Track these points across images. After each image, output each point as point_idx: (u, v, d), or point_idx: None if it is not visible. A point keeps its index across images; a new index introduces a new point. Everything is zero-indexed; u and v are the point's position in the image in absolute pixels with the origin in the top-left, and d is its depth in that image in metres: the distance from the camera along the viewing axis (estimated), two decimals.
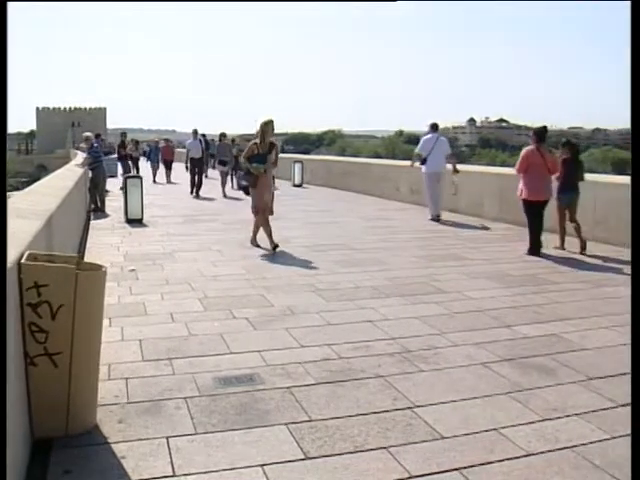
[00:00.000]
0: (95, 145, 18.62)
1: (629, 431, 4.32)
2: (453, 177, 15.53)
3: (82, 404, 4.20)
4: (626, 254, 9.89)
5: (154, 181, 28.82)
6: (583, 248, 11.15)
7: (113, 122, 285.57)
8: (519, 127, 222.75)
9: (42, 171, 72.96)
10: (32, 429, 4.00)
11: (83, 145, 18.94)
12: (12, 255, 3.65)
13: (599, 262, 10.35)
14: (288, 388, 4.98)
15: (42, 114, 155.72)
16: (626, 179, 12.74)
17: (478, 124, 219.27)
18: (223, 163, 23.78)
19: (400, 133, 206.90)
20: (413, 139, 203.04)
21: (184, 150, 26.18)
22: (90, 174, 17.79)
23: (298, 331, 6.41)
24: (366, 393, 4.91)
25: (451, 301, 7.65)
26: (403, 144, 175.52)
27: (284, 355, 5.71)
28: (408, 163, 17.40)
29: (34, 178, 38.99)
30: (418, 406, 4.68)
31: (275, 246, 11.01)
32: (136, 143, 36.06)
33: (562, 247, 11.48)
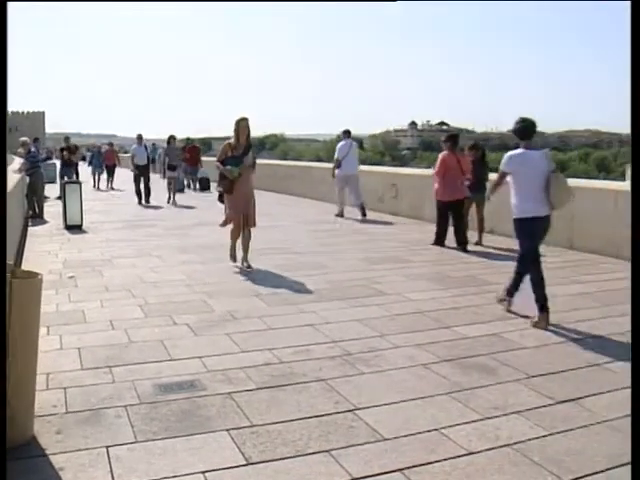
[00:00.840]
0: (32, 150, 18.28)
1: (567, 427, 4.44)
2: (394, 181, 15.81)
3: (19, 415, 4.11)
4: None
5: (97, 187, 28.24)
6: (479, 242, 12.45)
7: (52, 126, 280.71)
8: (460, 130, 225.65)
9: None
10: None
11: (20, 150, 18.54)
12: None
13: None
14: (229, 394, 4.94)
15: None
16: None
17: (419, 127, 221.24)
18: (172, 168, 22.60)
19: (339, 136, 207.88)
20: (357, 142, 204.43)
21: (127, 155, 25.72)
22: (28, 180, 17.45)
23: (239, 336, 6.37)
24: (307, 397, 4.90)
25: (392, 303, 7.71)
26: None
27: (225, 360, 5.67)
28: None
29: None
30: (359, 408, 4.68)
31: (247, 265, 9.85)
32: (75, 148, 35.46)
33: (481, 242, 12.52)
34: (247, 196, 9.88)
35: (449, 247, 12.04)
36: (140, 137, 23.34)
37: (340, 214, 17.07)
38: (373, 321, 6.92)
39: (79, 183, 16.36)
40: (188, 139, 23.56)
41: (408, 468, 3.86)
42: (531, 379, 5.32)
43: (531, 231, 7.10)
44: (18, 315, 3.90)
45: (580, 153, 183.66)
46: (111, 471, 3.80)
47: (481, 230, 12.59)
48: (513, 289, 7.36)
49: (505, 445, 4.17)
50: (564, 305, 7.65)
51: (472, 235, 12.39)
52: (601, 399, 4.95)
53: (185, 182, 27.27)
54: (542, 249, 7.30)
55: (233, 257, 10.20)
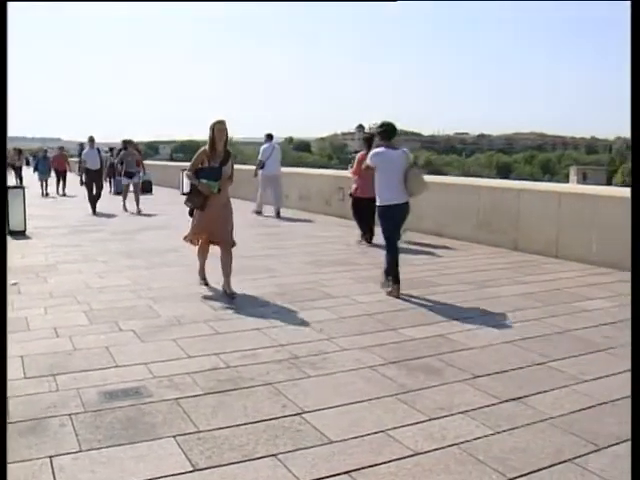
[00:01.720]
0: None
1: (512, 426, 4.50)
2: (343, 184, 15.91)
3: None
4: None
5: (45, 194, 27.24)
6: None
7: None
8: (407, 133, 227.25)
9: None
10: None
11: None
12: None
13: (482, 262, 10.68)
14: (176, 399, 4.90)
15: None
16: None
17: (367, 130, 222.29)
18: (129, 175, 20.51)
19: (290, 140, 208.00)
20: (303, 146, 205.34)
21: (75, 160, 24.63)
22: None
23: (185, 341, 6.33)
24: (255, 401, 4.89)
25: (339, 306, 7.73)
26: (293, 151, 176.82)
27: (171, 366, 5.62)
28: (298, 170, 17.74)
29: None
30: (307, 412, 4.69)
31: (231, 293, 8.24)
32: (19, 152, 34.84)
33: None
34: (220, 210, 8.31)
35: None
36: (92, 140, 21.44)
37: (259, 212, 18.28)
38: (321, 324, 6.94)
39: (22, 188, 16.12)
40: (125, 142, 22.28)
41: (355, 470, 3.87)
42: (476, 379, 5.39)
43: (390, 215, 8.57)
44: None
45: (525, 155, 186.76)
46: None
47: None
48: (395, 272, 8.48)
49: (451, 445, 4.21)
50: (508, 306, 7.77)
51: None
52: (545, 397, 5.03)
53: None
54: (487, 250, 7.39)
55: (202, 278, 8.89)
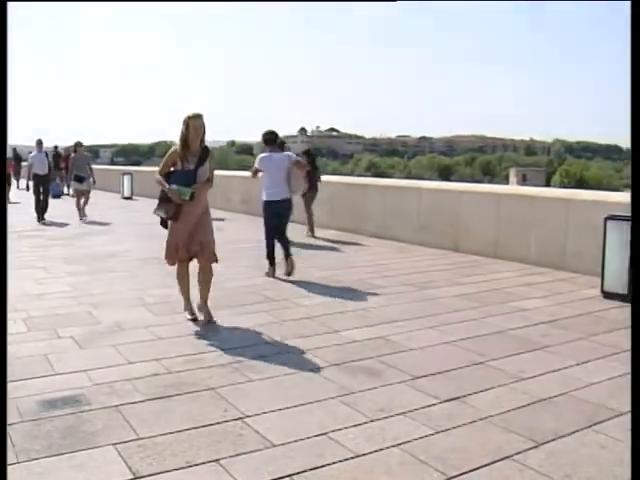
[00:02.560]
0: None
1: (452, 425, 4.56)
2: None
3: None
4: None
5: None
6: (311, 232, 14.49)
7: None
8: (350, 136, 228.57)
9: None
10: None
11: None
12: None
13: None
14: (116, 407, 4.84)
15: None
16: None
17: (309, 133, 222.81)
18: (79, 179, 19.19)
19: (232, 143, 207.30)
20: (246, 149, 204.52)
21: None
22: None
23: (126, 347, 6.26)
24: (197, 406, 4.86)
25: (281, 309, 7.75)
26: (235, 154, 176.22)
27: (111, 373, 5.55)
28: (239, 173, 17.70)
29: None
30: (248, 416, 4.68)
31: (208, 319, 7.22)
32: None
33: (312, 235, 14.44)
34: (196, 219, 7.10)
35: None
36: (40, 143, 19.74)
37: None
38: (263, 328, 6.94)
39: None
40: (76, 144, 21.39)
41: (297, 473, 3.88)
42: (416, 380, 5.45)
43: (273, 210, 9.98)
44: None
45: (466, 157, 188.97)
46: None
47: (311, 224, 14.57)
48: (271, 257, 10.04)
49: (392, 446, 4.25)
50: (448, 306, 7.89)
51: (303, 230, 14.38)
52: (484, 396, 5.12)
53: (65, 190, 26.54)
54: (429, 252, 7.48)
55: (190, 313, 7.35)
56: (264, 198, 10.01)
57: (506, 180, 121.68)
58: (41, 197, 18.74)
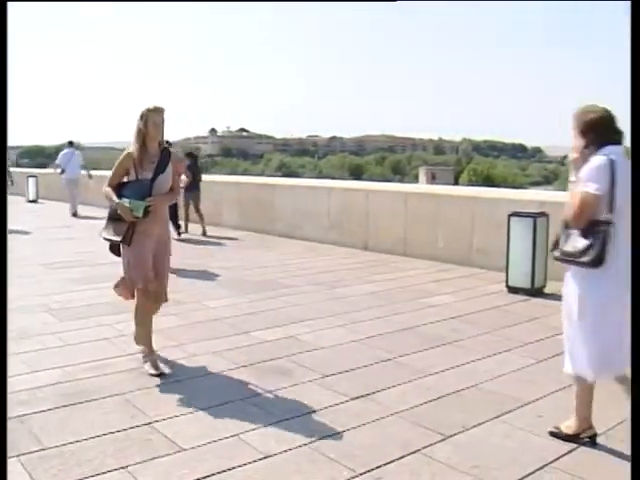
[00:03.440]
0: None
1: (361, 422, 4.59)
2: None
3: None
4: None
5: None
6: (204, 233, 14.79)
7: None
8: (260, 136, 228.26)
9: None
10: None
11: None
12: None
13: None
14: (19, 417, 4.68)
15: None
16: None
17: (219, 134, 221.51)
18: None
19: None
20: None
21: None
22: None
23: (30, 355, 6.07)
24: (103, 413, 4.76)
25: (189, 312, 7.67)
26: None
27: (15, 382, 5.32)
28: None
29: None
30: (157, 421, 4.61)
31: (157, 373, 5.58)
32: None
33: (186, 231, 14.92)
34: (155, 241, 5.78)
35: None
36: None
37: (74, 213, 19.79)
38: (171, 331, 6.85)
39: None
40: None
41: (207, 477, 3.85)
42: (326, 378, 5.47)
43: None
44: None
45: (376, 157, 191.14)
46: None
47: (202, 222, 15.02)
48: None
49: (302, 445, 4.26)
50: (357, 305, 7.96)
51: (197, 228, 14.88)
52: (392, 392, 5.19)
53: None
54: (339, 251, 7.51)
55: (150, 359, 5.77)
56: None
57: (416, 179, 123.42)
58: None
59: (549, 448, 4.22)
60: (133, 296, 5.89)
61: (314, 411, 4.78)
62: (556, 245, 4.34)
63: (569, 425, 4.40)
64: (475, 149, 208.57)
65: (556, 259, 4.34)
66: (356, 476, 3.87)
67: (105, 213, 5.88)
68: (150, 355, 5.78)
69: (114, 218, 5.70)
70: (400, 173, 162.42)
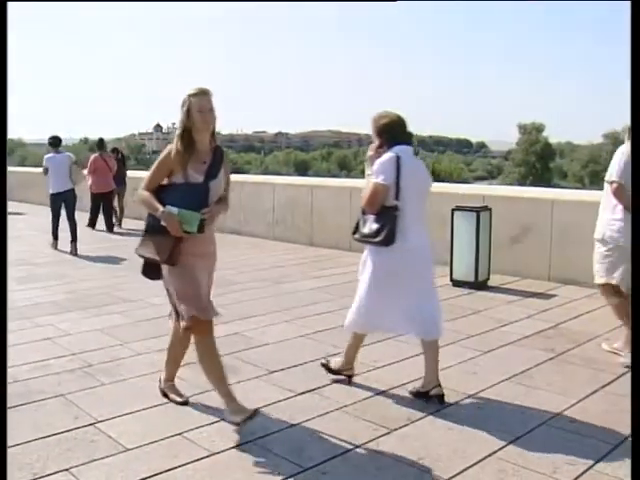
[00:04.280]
0: None
1: (307, 417, 4.61)
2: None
3: None
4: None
5: None
6: (119, 224, 15.96)
7: None
8: None
9: None
10: None
11: None
12: None
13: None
14: None
15: None
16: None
17: (165, 130, 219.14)
18: None
19: (85, 140, 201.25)
20: (99, 146, 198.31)
21: None
22: None
23: None
24: (45, 414, 4.69)
25: (134, 310, 7.60)
26: (88, 152, 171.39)
27: None
28: None
29: None
30: (101, 421, 4.56)
31: (248, 416, 4.34)
32: None
33: (120, 225, 15.91)
34: (207, 264, 4.70)
35: (99, 230, 15.22)
36: None
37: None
38: (115, 329, 6.78)
39: None
40: None
41: (151, 476, 3.82)
42: (272, 374, 5.48)
43: (55, 200, 12.43)
44: None
45: (322, 152, 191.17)
46: None
47: (121, 217, 16.14)
48: (56, 231, 12.48)
49: (247, 442, 4.26)
50: (303, 300, 7.99)
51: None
52: (338, 387, 5.22)
53: None
54: (284, 247, 7.51)
55: (171, 386, 5.07)
56: (51, 191, 12.38)
57: (362, 174, 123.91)
58: None
59: (492, 439, 4.28)
60: (204, 331, 4.66)
61: (260, 407, 4.74)
62: (357, 229, 5.15)
63: (337, 361, 5.34)
64: (421, 144, 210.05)
65: (356, 240, 5.18)
66: (302, 471, 3.88)
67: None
68: (172, 385, 5.07)
69: (155, 231, 4.47)
70: (346, 168, 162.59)
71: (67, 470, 3.91)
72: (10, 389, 5.15)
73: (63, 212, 12.45)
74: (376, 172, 4.87)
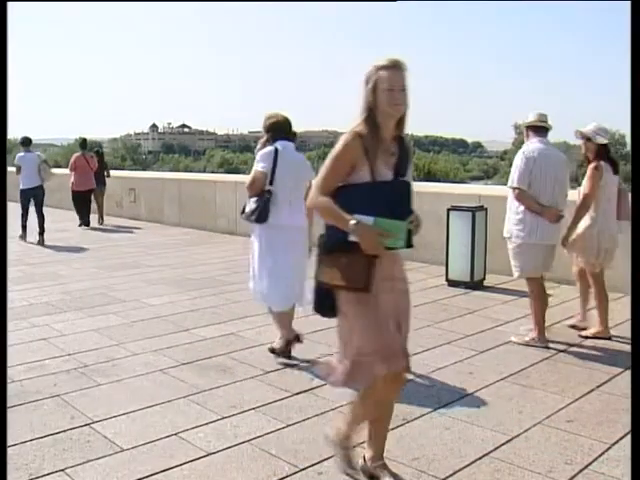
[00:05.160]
0: None
1: (303, 417, 4.61)
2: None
3: None
4: None
5: None
6: (102, 219, 16.27)
7: None
8: (201, 132, 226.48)
9: None
10: None
11: None
12: None
13: None
14: None
15: None
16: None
17: (160, 130, 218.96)
18: None
19: (82, 140, 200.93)
20: (96, 146, 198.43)
21: None
22: None
23: None
24: (41, 415, 4.68)
25: (130, 310, 7.59)
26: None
27: None
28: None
29: None
30: (96, 421, 4.55)
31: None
32: None
33: (102, 222, 16.18)
34: (402, 291, 3.58)
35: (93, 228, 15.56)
36: None
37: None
38: (111, 330, 6.77)
39: None
40: None
41: (147, 477, 3.81)
42: (267, 375, 5.47)
43: (26, 195, 13.23)
44: None
45: (319, 152, 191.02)
46: None
47: (102, 213, 16.34)
48: (25, 224, 13.28)
49: (243, 442, 4.24)
50: None
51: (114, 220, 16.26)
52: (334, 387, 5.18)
53: None
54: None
55: (350, 444, 3.84)
56: (21, 187, 13.21)
57: None
58: None
59: (488, 439, 4.28)
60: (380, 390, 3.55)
61: (255, 407, 4.77)
62: (244, 210, 5.81)
63: (279, 341, 5.86)
64: (416, 144, 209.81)
65: (244, 219, 5.81)
66: (298, 471, 3.87)
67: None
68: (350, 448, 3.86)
69: (340, 250, 3.38)
70: None
71: (63, 470, 3.90)
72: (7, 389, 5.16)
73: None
74: (257, 161, 5.75)
